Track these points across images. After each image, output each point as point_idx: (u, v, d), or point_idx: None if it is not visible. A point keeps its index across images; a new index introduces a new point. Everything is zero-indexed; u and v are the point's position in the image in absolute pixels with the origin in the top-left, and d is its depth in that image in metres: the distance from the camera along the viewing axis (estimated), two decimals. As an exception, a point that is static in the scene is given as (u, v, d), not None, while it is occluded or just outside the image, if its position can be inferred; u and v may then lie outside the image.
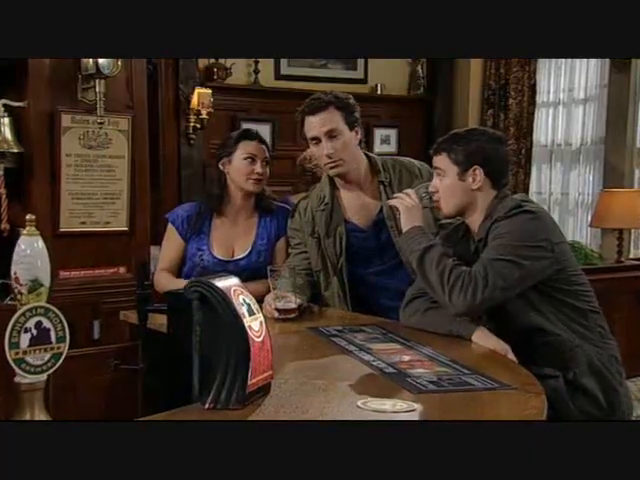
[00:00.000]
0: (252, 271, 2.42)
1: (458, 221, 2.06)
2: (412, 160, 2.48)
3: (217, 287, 1.36)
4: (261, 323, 1.41)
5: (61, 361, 1.17)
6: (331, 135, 2.27)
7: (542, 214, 1.88)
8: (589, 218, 4.64)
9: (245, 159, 2.46)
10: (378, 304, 2.34)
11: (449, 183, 1.95)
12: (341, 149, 2.28)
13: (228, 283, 1.41)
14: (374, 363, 1.64)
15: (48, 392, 1.26)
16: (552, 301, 1.85)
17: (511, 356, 1.77)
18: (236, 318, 1.35)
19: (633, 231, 4.48)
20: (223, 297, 1.36)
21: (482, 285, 1.76)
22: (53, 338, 1.19)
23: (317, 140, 2.29)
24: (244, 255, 2.48)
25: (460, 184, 1.93)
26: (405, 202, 2.00)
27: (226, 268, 2.41)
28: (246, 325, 1.35)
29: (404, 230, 1.98)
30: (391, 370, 1.58)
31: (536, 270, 1.80)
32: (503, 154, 1.99)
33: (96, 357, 2.19)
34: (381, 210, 2.34)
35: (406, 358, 1.69)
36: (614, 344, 1.90)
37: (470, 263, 1.88)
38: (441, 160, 1.96)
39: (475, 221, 1.98)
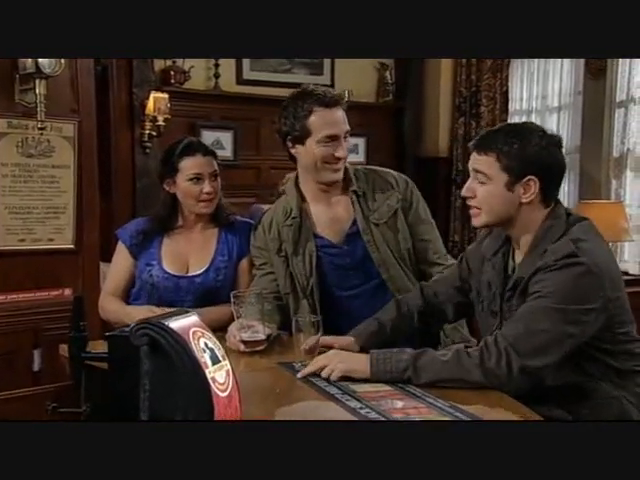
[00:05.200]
0: (208, 290, 2.19)
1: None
2: (387, 169, 2.28)
3: (171, 330, 1.10)
4: (227, 373, 1.14)
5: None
6: (346, 136, 2.09)
7: (600, 262, 1.52)
8: (565, 230, 4.49)
9: (190, 180, 2.18)
10: None
11: (494, 192, 1.60)
12: (347, 152, 2.12)
13: (186, 323, 1.14)
14: (362, 411, 1.39)
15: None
16: (595, 361, 1.57)
17: None
18: (196, 369, 1.09)
19: (611, 244, 4.33)
20: (179, 342, 1.09)
21: (519, 366, 1.47)
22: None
23: (335, 139, 2.06)
24: (200, 271, 2.21)
25: (507, 195, 1.59)
26: (319, 362, 1.62)
27: (179, 284, 2.18)
28: (209, 377, 1.10)
29: (370, 372, 1.56)
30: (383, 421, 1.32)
31: (586, 334, 1.52)
32: (563, 162, 1.62)
33: (31, 399, 1.91)
34: (354, 223, 2.13)
35: (399, 404, 1.44)
36: None
37: (496, 297, 1.66)
38: (487, 163, 1.60)
39: (519, 236, 1.65)
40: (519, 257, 1.67)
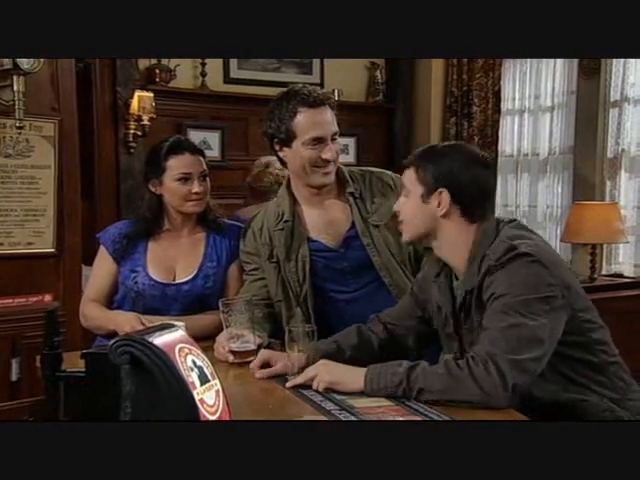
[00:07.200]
0: (197, 297, 2.09)
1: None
2: (384, 170, 2.17)
3: (155, 346, 0.99)
4: (217, 393, 1.04)
5: None
6: (334, 137, 1.99)
7: (541, 250, 1.53)
8: (558, 231, 4.45)
9: (178, 180, 2.07)
10: None
11: (412, 204, 1.67)
12: (338, 154, 2.02)
13: (171, 339, 1.04)
14: (361, 430, 1.28)
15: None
16: (566, 360, 1.53)
17: None
18: (182, 389, 0.99)
19: (605, 246, 4.27)
20: (164, 360, 0.99)
21: (506, 363, 1.40)
22: None
23: (321, 141, 1.96)
24: (188, 278, 2.11)
25: (423, 207, 1.64)
26: (309, 374, 1.56)
27: (165, 292, 2.08)
28: (197, 399, 1.00)
29: (365, 390, 1.50)
30: (386, 442, 1.23)
31: (557, 325, 1.48)
32: (482, 180, 1.63)
33: (9, 412, 1.82)
34: (353, 226, 2.04)
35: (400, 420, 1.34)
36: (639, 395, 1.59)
37: (448, 318, 1.65)
38: (408, 176, 1.68)
39: (453, 257, 1.65)
40: (460, 275, 1.66)
